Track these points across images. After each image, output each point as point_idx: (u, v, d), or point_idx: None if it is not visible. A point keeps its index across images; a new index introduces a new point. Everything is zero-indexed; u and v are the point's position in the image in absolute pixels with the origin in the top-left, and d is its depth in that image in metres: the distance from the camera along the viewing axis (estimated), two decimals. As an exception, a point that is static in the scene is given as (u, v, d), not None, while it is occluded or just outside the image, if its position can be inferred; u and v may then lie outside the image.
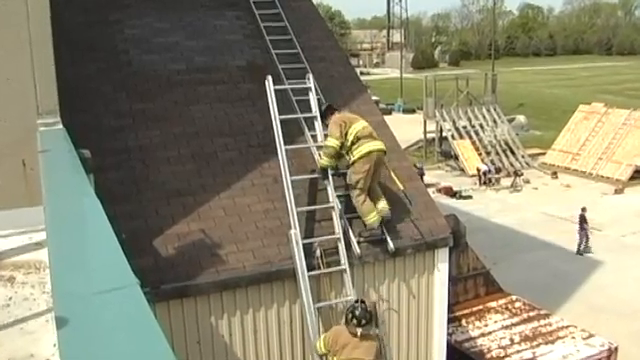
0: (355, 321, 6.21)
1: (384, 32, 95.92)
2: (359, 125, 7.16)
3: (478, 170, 27.93)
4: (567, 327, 11.93)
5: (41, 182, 3.10)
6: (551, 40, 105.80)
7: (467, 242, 12.21)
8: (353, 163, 7.13)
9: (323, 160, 7.15)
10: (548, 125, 38.98)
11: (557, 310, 14.20)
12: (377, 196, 7.25)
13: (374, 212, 7.10)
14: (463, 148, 30.23)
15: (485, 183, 27.36)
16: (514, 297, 13.10)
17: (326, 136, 7.38)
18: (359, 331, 6.20)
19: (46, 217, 2.64)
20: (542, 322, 12.12)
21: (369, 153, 7.08)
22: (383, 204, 7.19)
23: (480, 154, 30.20)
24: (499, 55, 78.51)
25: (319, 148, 7.49)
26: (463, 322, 12.13)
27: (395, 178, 7.35)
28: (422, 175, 22.78)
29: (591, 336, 11.59)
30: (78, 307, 1.65)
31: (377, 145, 7.16)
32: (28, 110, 3.93)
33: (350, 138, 7.09)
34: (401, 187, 7.31)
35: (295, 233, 6.71)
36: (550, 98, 52.08)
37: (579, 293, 16.42)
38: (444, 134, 32.30)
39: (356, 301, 6.40)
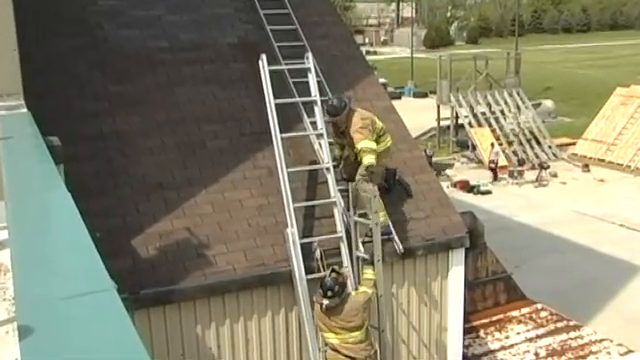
0: (320, 291, 6.41)
1: (393, 6, 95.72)
2: (378, 120, 7.41)
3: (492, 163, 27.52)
4: (601, 341, 11.90)
5: (2, 173, 3.08)
6: (584, 14, 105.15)
7: (485, 243, 12.21)
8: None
9: (371, 159, 7.00)
10: (579, 111, 38.92)
11: (589, 321, 14.17)
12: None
13: (384, 212, 7.18)
14: (482, 137, 30.15)
15: (501, 177, 27.04)
16: (539, 305, 13.10)
17: (329, 122, 7.43)
18: (324, 303, 6.40)
19: (7, 213, 2.63)
20: (572, 334, 12.11)
21: (389, 148, 7.40)
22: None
23: (500, 143, 30.13)
24: (524, 32, 78.24)
25: (319, 137, 7.49)
26: (481, 333, 12.14)
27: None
28: (430, 162, 22.65)
29: (630, 352, 11.56)
30: (45, 315, 1.64)
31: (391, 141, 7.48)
32: (-13, 92, 3.91)
33: (377, 132, 7.28)
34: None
35: (292, 232, 6.72)
36: (582, 80, 51.95)
37: (614, 302, 16.39)
38: (460, 121, 32.24)
39: (330, 270, 6.56)
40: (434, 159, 26.13)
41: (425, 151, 21.29)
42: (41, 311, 1.66)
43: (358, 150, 7.05)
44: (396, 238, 7.21)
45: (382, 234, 7.13)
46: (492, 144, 28.30)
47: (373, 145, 7.09)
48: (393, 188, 7.62)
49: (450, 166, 29.32)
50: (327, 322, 6.52)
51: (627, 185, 26.71)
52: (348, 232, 7.10)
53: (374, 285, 6.81)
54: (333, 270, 6.51)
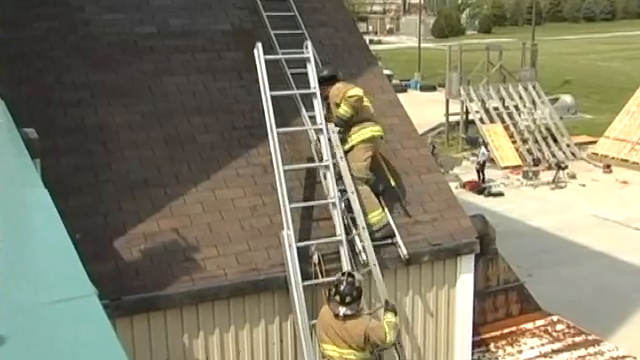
0: (338, 297, 6.31)
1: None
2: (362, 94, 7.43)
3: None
4: (623, 357, 11.90)
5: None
6: (609, 1, 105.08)
7: (497, 249, 12.22)
8: (351, 149, 7.37)
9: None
10: (601, 107, 38.94)
11: (610, 336, 14.16)
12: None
13: (379, 210, 7.19)
14: (494, 134, 30.17)
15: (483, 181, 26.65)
16: (555, 317, 13.10)
17: (329, 111, 7.54)
18: (342, 310, 6.30)
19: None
20: (591, 350, 12.10)
21: (372, 138, 7.39)
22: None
23: (514, 141, 30.13)
24: (541, 20, 78.39)
25: (318, 131, 7.49)
26: (492, 347, 12.15)
27: (386, 170, 7.60)
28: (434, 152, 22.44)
29: (655, 370, 11.57)
30: (21, 322, 1.65)
31: (379, 130, 7.47)
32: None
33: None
34: (392, 182, 7.55)
35: (288, 234, 6.72)
36: (605, 73, 51.99)
37: (637, 315, 16.40)
38: (471, 117, 32.25)
39: (342, 274, 6.50)
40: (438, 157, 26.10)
41: (433, 144, 21.19)
42: (16, 318, 1.66)
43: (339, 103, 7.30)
44: (400, 242, 7.21)
45: (384, 237, 7.14)
46: (514, 142, 28.34)
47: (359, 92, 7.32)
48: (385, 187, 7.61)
49: (457, 162, 29.30)
50: (331, 332, 6.46)
51: (652, 188, 26.70)
52: (349, 235, 7.10)
53: (394, 330, 6.51)
54: (349, 274, 6.47)
